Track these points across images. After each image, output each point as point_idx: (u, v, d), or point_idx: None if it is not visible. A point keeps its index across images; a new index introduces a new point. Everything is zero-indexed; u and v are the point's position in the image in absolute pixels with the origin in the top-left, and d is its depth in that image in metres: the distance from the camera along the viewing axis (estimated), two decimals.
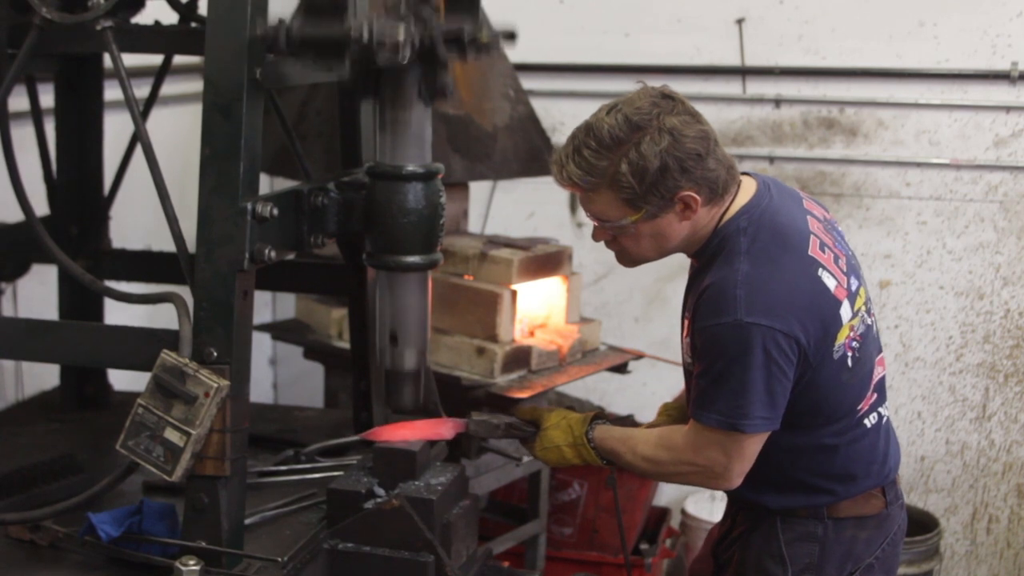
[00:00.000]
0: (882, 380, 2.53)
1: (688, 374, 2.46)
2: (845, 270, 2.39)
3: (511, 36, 2.33)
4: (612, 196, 2.30)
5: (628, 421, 2.68)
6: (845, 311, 2.35)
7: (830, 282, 2.33)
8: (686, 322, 2.42)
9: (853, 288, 2.40)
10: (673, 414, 2.67)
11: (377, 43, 2.21)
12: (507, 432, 2.60)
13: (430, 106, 2.45)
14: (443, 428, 2.63)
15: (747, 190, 2.41)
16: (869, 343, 2.44)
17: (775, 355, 2.24)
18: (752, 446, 2.32)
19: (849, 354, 2.37)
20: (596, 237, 2.44)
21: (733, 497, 2.61)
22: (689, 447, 2.36)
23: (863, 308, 2.43)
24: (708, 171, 2.29)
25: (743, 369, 2.24)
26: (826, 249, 2.37)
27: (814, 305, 2.29)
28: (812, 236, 2.37)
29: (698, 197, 2.30)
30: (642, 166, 2.24)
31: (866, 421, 2.46)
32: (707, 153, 2.29)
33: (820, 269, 2.33)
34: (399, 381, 2.62)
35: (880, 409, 2.51)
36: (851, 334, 2.37)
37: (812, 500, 2.46)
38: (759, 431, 2.29)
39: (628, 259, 2.46)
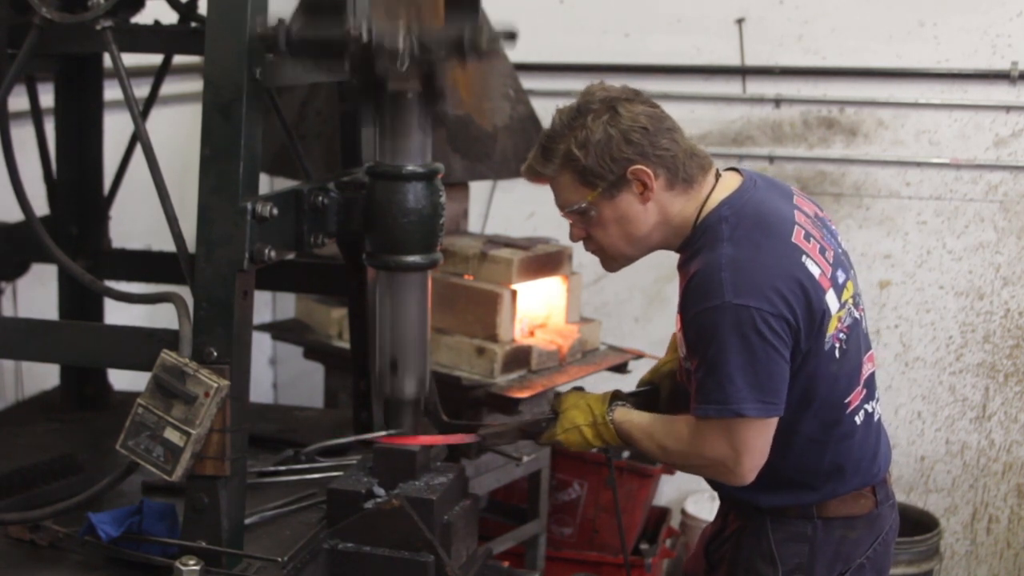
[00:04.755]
0: (872, 376, 2.52)
1: (686, 372, 2.45)
2: (831, 262, 2.39)
3: (511, 36, 2.34)
4: (569, 178, 2.37)
5: (644, 394, 2.69)
6: (831, 300, 2.35)
7: (814, 270, 2.33)
8: (679, 316, 2.43)
9: (839, 280, 2.39)
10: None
11: (376, 46, 2.22)
12: (520, 434, 2.63)
13: (430, 113, 2.46)
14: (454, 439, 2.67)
15: (731, 183, 2.42)
16: (857, 337, 2.44)
17: (768, 336, 2.24)
18: (757, 435, 2.30)
19: (837, 345, 2.37)
20: (573, 236, 2.47)
21: (725, 496, 2.61)
22: (694, 442, 2.36)
23: (850, 301, 2.43)
24: (659, 148, 2.33)
25: (735, 353, 2.23)
26: (811, 239, 2.37)
27: (800, 288, 2.29)
28: (797, 226, 2.37)
29: (650, 172, 2.33)
30: (586, 138, 2.33)
31: (856, 417, 2.46)
32: (655, 130, 2.33)
33: (803, 256, 2.33)
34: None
35: (868, 406, 2.50)
36: (839, 325, 2.37)
37: (801, 498, 2.46)
38: (760, 416, 2.27)
39: (607, 257, 2.48)
